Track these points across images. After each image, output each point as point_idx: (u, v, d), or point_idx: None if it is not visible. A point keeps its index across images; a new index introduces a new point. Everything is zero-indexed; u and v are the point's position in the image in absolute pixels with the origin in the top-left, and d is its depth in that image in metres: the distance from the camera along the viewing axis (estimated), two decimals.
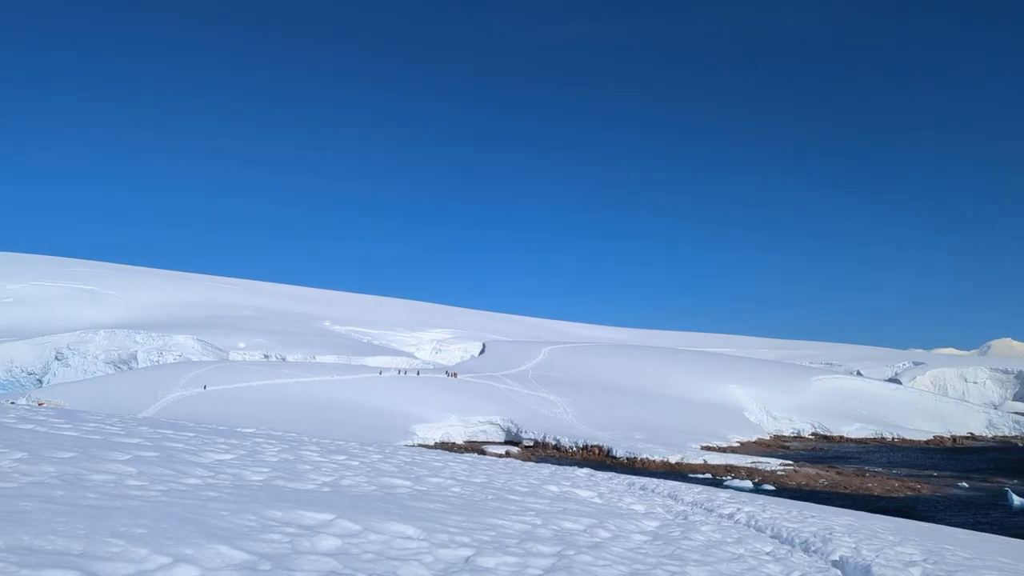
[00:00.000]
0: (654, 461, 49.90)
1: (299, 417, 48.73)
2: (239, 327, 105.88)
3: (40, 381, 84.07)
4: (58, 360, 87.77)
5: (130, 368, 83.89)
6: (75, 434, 11.67)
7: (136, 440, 11.76)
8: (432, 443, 51.89)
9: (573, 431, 58.93)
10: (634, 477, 21.45)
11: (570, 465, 28.14)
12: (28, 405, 31.00)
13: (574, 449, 54.83)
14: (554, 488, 14.44)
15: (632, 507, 13.57)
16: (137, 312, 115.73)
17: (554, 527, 9.45)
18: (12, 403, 36.73)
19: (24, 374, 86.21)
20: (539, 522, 9.58)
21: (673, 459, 50.51)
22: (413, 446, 38.21)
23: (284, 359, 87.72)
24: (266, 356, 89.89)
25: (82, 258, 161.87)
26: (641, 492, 16.87)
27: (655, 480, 20.23)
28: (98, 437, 11.59)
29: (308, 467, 11.77)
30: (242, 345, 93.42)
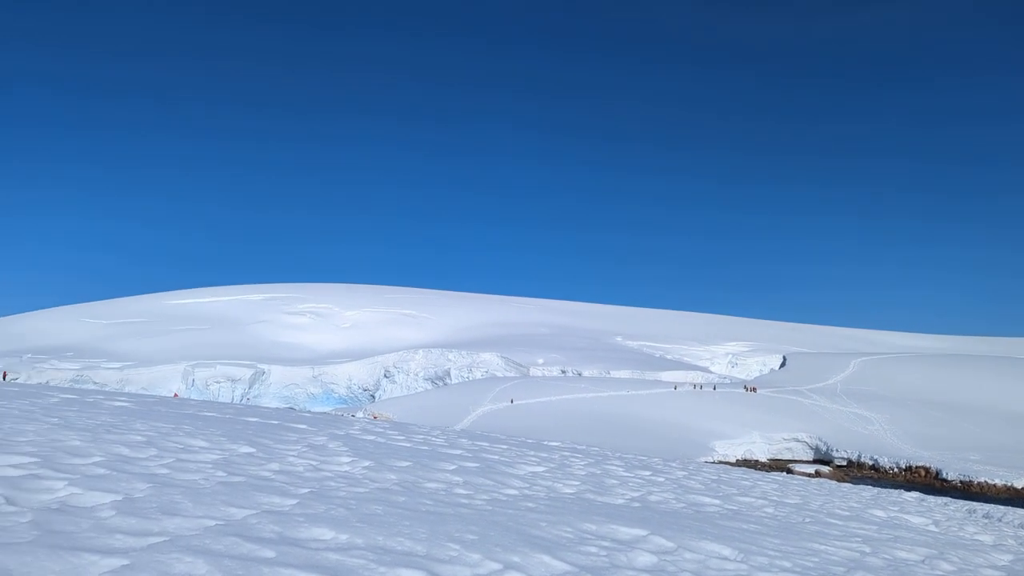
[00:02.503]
0: (995, 485, 43.81)
1: (597, 431, 49.82)
2: (537, 344, 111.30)
3: (373, 396, 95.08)
4: (386, 377, 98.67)
5: (445, 384, 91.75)
6: (407, 445, 12.94)
7: (458, 451, 12.75)
8: (733, 460, 50.22)
9: (892, 450, 53.70)
10: (973, 503, 18.96)
11: (892, 488, 25.61)
12: (365, 418, 35.13)
13: (895, 470, 49.91)
14: (880, 513, 13.22)
15: (976, 537, 11.98)
16: (449, 332, 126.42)
17: (886, 556, 8.61)
18: (353, 416, 41.90)
19: (360, 390, 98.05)
20: (867, 549, 8.79)
21: (1020, 484, 43.93)
22: (714, 463, 37.26)
23: (580, 374, 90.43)
24: (563, 371, 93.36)
25: (402, 286, 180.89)
26: (985, 521, 14.85)
27: (1001, 507, 17.71)
28: (426, 448, 12.74)
29: (615, 481, 11.94)
30: (541, 361, 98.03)
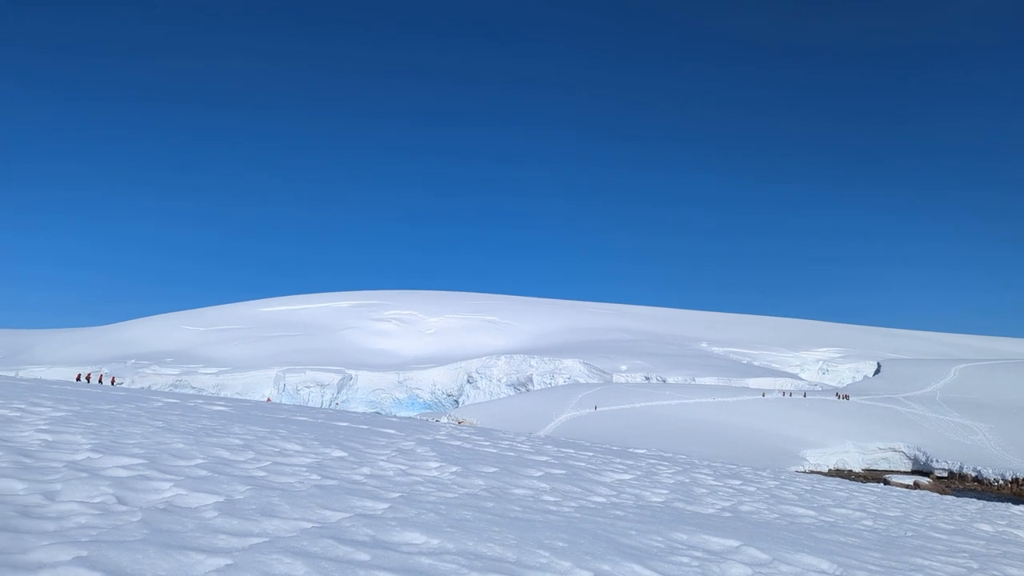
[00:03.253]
0: None
1: (683, 439, 48.98)
2: (620, 350, 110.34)
3: (456, 401, 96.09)
4: (469, 383, 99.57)
5: (527, 390, 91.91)
6: (494, 451, 13.00)
7: (544, 458, 12.74)
8: (826, 470, 48.55)
9: (998, 461, 50.91)
10: None
11: (997, 501, 24.26)
12: (450, 423, 35.51)
13: (1000, 482, 47.29)
14: (987, 527, 12.53)
15: None
16: (531, 339, 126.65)
17: (995, 572, 8.15)
18: (437, 420, 42.44)
19: (444, 395, 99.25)
20: (975, 566, 8.34)
21: None
22: (806, 472, 36.10)
23: (664, 381, 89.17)
24: (647, 378, 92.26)
25: (484, 292, 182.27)
26: None
27: None
28: (512, 454, 12.77)
29: (704, 490, 11.69)
30: (624, 367, 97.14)
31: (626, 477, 11.74)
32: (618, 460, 14.51)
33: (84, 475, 6.56)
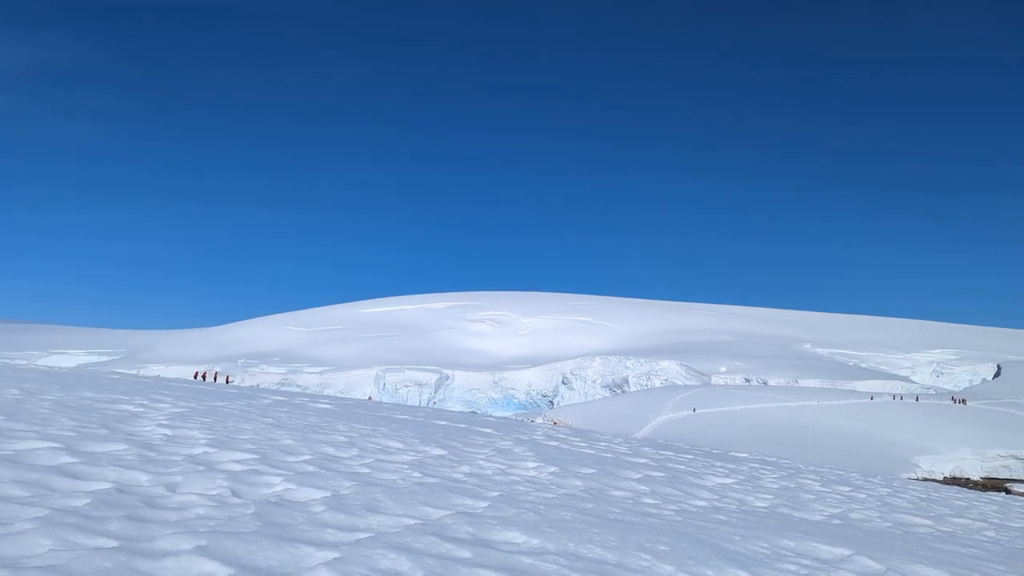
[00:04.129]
0: None
1: (786, 443, 47.48)
2: (719, 352, 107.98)
3: (551, 402, 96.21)
4: (564, 384, 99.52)
5: (623, 391, 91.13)
6: (591, 452, 12.93)
7: (643, 460, 12.58)
8: (940, 477, 46.11)
9: None
10: None
11: None
12: (545, 424, 35.58)
13: None
14: None
15: None
16: (626, 340, 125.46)
17: None
18: (532, 421, 42.57)
19: (539, 396, 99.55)
20: None
21: None
22: (919, 480, 34.41)
23: (765, 383, 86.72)
24: (747, 380, 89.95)
25: (578, 293, 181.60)
26: None
27: None
28: (610, 455, 12.67)
29: (811, 496, 11.30)
30: (723, 369, 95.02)
31: (728, 481, 11.47)
32: (719, 464, 14.19)
33: (202, 468, 6.89)
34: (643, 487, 9.40)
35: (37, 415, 9.16)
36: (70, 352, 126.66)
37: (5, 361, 38.45)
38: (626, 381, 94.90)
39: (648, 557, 5.73)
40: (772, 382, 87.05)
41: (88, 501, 5.24)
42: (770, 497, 10.43)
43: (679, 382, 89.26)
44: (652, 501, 8.45)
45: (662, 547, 6.13)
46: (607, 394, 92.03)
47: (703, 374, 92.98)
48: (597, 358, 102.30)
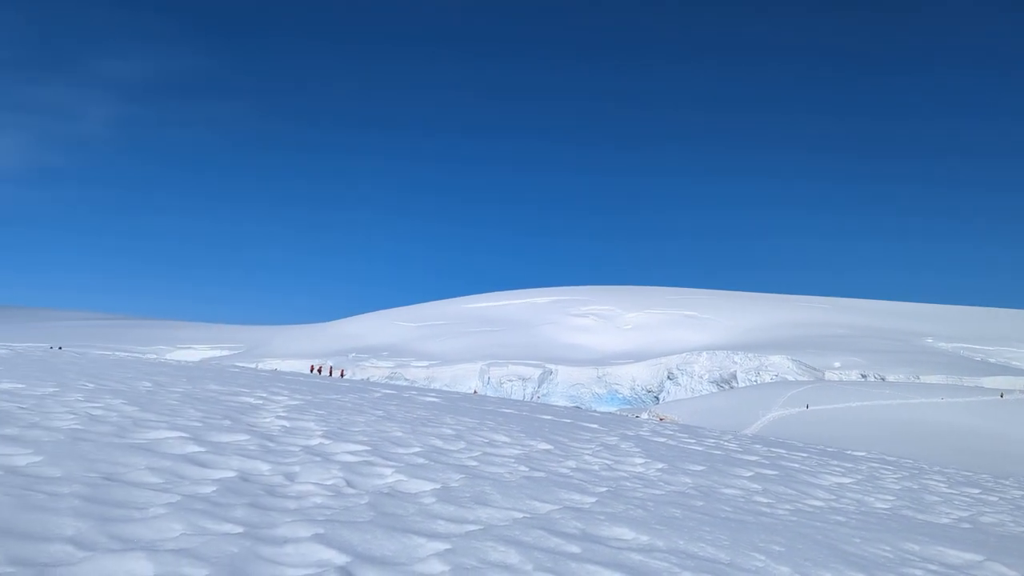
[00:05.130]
0: None
1: (906, 442, 45.20)
2: (833, 346, 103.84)
3: (656, 398, 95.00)
4: (669, 379, 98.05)
5: (731, 387, 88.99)
6: (699, 448, 12.68)
7: (753, 457, 12.24)
8: None
9: None
10: None
11: None
12: (651, 419, 35.14)
13: None
14: None
15: None
16: (734, 334, 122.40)
17: None
18: (637, 416, 42.10)
19: (644, 391, 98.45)
20: None
21: None
22: None
23: (883, 379, 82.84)
24: (863, 376, 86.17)
25: (684, 287, 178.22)
26: None
27: None
28: (719, 452, 12.38)
29: (937, 498, 10.71)
30: (837, 364, 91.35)
31: (845, 481, 11.01)
32: (835, 462, 13.64)
33: (318, 459, 7.14)
34: (755, 485, 9.13)
35: (167, 406, 9.73)
36: (195, 347, 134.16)
37: (137, 356, 41.06)
38: (734, 376, 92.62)
39: (762, 557, 5.56)
40: (891, 378, 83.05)
41: (215, 488, 5.52)
42: (891, 498, 9.94)
43: (790, 378, 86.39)
44: (765, 500, 8.21)
45: (777, 547, 5.94)
46: (714, 390, 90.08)
47: (816, 370, 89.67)
48: (704, 353, 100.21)
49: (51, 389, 10.37)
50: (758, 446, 14.98)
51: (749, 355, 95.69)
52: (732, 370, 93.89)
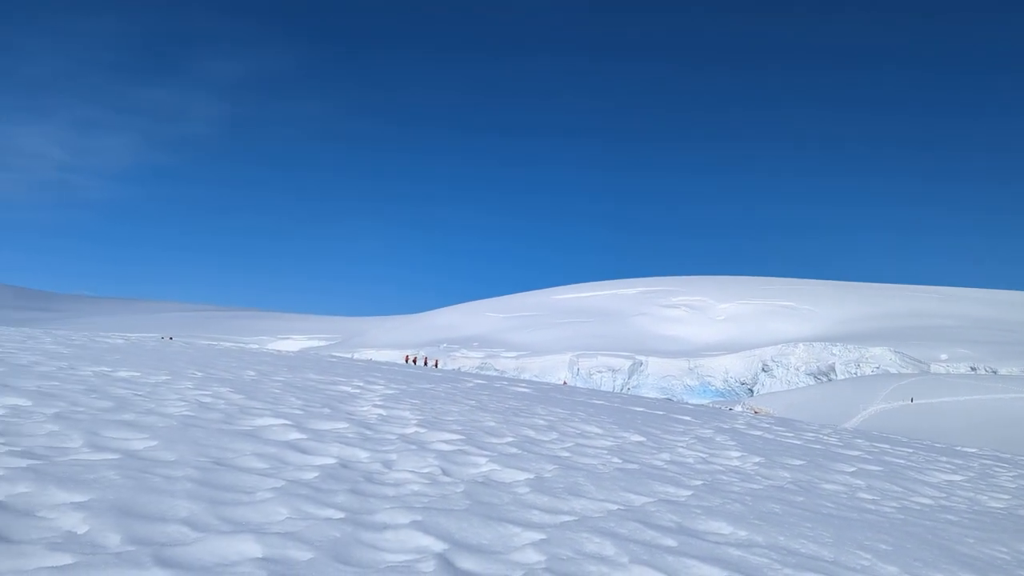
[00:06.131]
0: None
1: (1020, 437, 42.78)
2: (939, 338, 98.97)
3: (751, 390, 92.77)
4: (764, 371, 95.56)
5: (829, 379, 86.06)
6: (798, 442, 12.32)
7: (855, 452, 11.81)
8: None
9: None
10: None
11: None
12: (745, 412, 34.35)
13: None
14: None
15: None
16: (832, 325, 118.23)
17: None
18: (730, 409, 41.25)
19: (737, 383, 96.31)
20: None
21: None
22: None
23: (995, 372, 78.47)
24: (973, 368, 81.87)
25: (779, 276, 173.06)
26: None
27: None
28: (819, 447, 12.00)
29: None
30: (944, 357, 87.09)
31: (956, 478, 10.49)
32: (944, 459, 13.02)
33: (414, 447, 7.28)
34: (858, 481, 8.81)
35: (270, 394, 10.11)
36: (294, 337, 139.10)
37: (240, 345, 42.84)
38: (832, 369, 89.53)
39: (868, 556, 5.36)
40: (1003, 371, 78.60)
41: (317, 475, 5.70)
42: (1007, 497, 9.42)
43: (892, 370, 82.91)
44: (869, 496, 7.91)
45: (883, 546, 5.72)
46: (811, 382, 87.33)
47: (920, 362, 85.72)
48: (800, 344, 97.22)
49: (164, 377, 10.92)
50: (860, 441, 14.44)
51: (848, 347, 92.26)
52: (830, 362, 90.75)
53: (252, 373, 13.39)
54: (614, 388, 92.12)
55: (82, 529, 3.93)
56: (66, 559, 3.51)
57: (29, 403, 7.36)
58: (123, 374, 10.87)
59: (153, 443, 6.13)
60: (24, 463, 5.06)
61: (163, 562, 3.58)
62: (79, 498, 4.44)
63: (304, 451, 6.52)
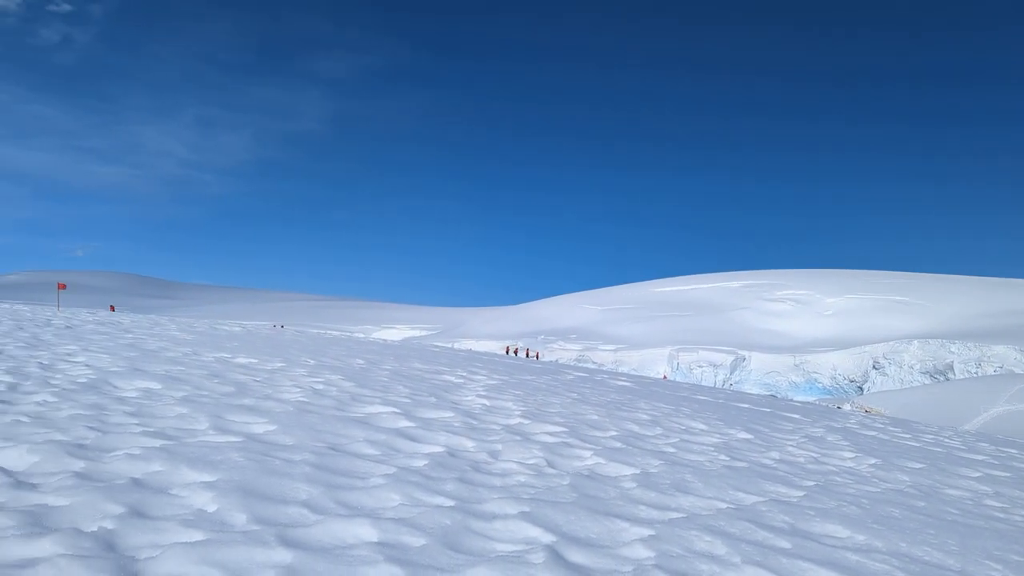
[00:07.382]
0: None
1: None
2: None
3: (860, 388, 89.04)
4: (875, 369, 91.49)
5: (946, 379, 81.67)
6: (916, 444, 11.75)
7: (980, 457, 11.17)
8: None
9: None
10: None
11: None
12: (855, 411, 33.00)
13: None
14: None
15: None
16: (950, 322, 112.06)
17: None
18: (839, 407, 39.68)
19: (846, 381, 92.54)
20: None
21: None
22: None
23: None
24: None
25: (892, 270, 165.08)
26: None
27: None
28: (939, 450, 11.42)
29: None
30: None
31: None
32: None
33: (518, 438, 7.34)
34: (984, 487, 8.33)
35: (379, 382, 10.39)
36: (397, 327, 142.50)
37: (348, 334, 44.18)
38: (950, 367, 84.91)
39: (999, 567, 5.06)
40: None
41: (426, 463, 5.82)
42: None
43: (1018, 370, 77.86)
44: (998, 504, 7.46)
45: (1016, 557, 5.39)
46: (927, 381, 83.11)
47: None
48: (915, 341, 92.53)
49: (279, 364, 11.39)
50: (984, 444, 13.65)
51: (968, 344, 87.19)
52: (948, 360, 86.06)
53: (361, 361, 13.79)
54: (715, 383, 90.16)
55: (211, 508, 4.15)
56: (198, 535, 3.71)
57: (160, 386, 7.82)
58: (241, 360, 11.39)
59: (272, 427, 6.40)
60: (158, 443, 5.38)
61: (287, 542, 3.73)
62: (208, 478, 4.68)
63: (413, 439, 6.67)
